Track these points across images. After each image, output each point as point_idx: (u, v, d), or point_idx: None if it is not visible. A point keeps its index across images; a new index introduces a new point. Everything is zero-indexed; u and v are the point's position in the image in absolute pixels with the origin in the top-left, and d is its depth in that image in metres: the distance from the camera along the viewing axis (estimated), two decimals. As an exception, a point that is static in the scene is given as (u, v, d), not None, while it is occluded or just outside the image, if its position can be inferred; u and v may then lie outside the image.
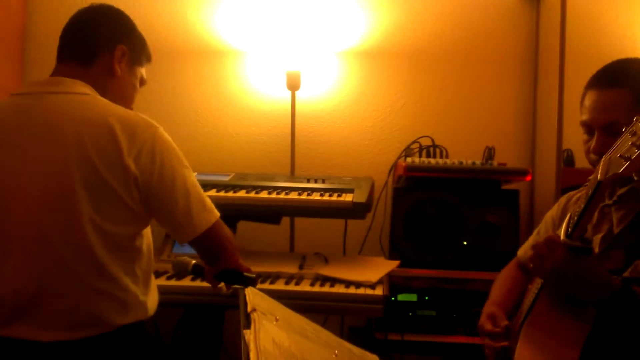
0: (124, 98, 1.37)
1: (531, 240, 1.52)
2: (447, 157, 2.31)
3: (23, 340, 1.15)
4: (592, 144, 1.22)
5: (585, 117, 1.25)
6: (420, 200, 2.11)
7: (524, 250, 1.52)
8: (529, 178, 2.11)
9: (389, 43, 2.55)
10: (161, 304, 1.46)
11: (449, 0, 2.55)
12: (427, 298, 2.03)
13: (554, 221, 1.43)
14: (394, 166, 2.38)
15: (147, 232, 1.29)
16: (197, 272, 1.47)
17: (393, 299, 2.00)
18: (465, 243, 2.07)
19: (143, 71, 1.44)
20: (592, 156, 1.23)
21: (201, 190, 1.28)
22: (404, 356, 2.00)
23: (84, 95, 1.24)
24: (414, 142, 2.41)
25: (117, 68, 1.32)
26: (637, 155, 0.87)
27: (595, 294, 1.04)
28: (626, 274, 1.11)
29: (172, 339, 2.19)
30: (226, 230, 1.33)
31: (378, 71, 2.56)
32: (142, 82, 1.45)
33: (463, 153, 2.36)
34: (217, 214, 1.30)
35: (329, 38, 2.52)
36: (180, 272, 1.48)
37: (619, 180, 1.19)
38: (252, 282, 1.34)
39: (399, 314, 2.01)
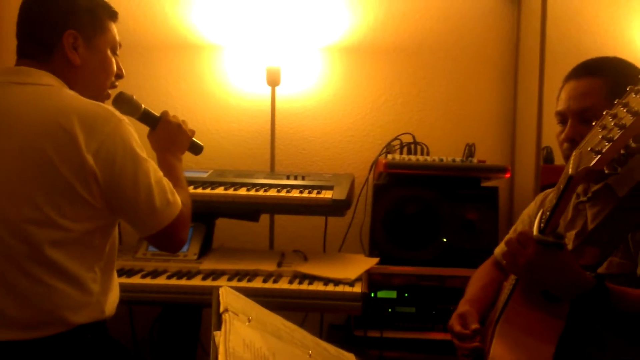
0: (95, 83, 1.30)
1: (507, 237, 1.51)
2: (428, 154, 2.30)
3: None
4: (565, 131, 1.23)
5: (560, 107, 1.26)
6: (400, 197, 2.11)
7: (500, 248, 1.52)
8: (508, 175, 2.11)
9: (372, 39, 2.54)
10: (137, 302, 1.43)
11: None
12: (406, 295, 2.03)
13: (531, 218, 1.43)
14: (375, 163, 2.37)
15: (112, 229, 1.26)
16: (148, 121, 1.48)
17: (372, 295, 2.00)
18: (444, 240, 2.07)
19: (110, 35, 1.30)
20: (565, 145, 1.23)
21: (164, 183, 1.23)
22: (383, 353, 1.99)
23: (48, 86, 1.19)
24: (395, 139, 2.40)
25: (73, 57, 1.23)
26: (607, 149, 0.87)
27: (568, 290, 1.04)
28: (601, 270, 1.12)
29: (149, 337, 2.17)
30: (187, 217, 1.30)
31: (360, 67, 2.54)
32: (115, 47, 1.33)
33: (444, 150, 2.37)
34: (179, 204, 1.25)
35: (310, 33, 2.49)
36: (125, 109, 1.40)
37: (593, 176, 1.19)
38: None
39: (378, 311, 2.00)
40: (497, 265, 1.52)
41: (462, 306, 1.36)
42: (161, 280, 1.76)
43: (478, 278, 1.49)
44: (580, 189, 1.27)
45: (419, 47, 2.55)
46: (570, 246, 1.14)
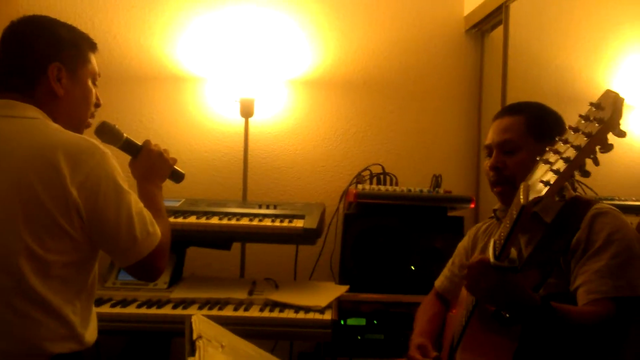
0: (77, 114, 1.32)
1: (446, 270, 1.64)
2: (396, 184, 2.37)
3: None
4: (490, 161, 1.38)
5: (487, 141, 1.43)
6: (369, 227, 2.16)
7: (440, 281, 1.64)
8: (472, 205, 2.19)
9: (337, 72, 2.62)
10: (105, 332, 1.42)
11: (395, 32, 2.65)
12: (375, 322, 2.06)
13: (466, 250, 1.57)
14: (345, 193, 2.43)
15: (93, 262, 1.27)
16: (130, 150, 1.47)
17: (342, 323, 2.02)
18: (412, 268, 2.12)
19: (91, 66, 1.33)
20: (490, 173, 1.39)
21: (145, 214, 1.26)
22: (352, 381, 2.01)
23: (34, 119, 1.21)
24: (365, 169, 2.47)
25: (57, 89, 1.25)
26: (556, 180, 0.94)
27: (521, 310, 1.11)
28: (540, 291, 1.20)
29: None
30: (166, 247, 1.31)
31: (327, 99, 2.62)
32: (95, 78, 1.36)
33: (412, 181, 2.43)
34: (159, 234, 1.27)
35: (279, 67, 2.55)
36: (107, 138, 1.43)
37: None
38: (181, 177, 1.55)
39: (347, 338, 2.03)
40: (439, 297, 1.63)
41: (417, 338, 1.45)
42: (131, 310, 1.76)
43: (424, 311, 1.60)
44: None
45: (386, 80, 2.64)
46: None
